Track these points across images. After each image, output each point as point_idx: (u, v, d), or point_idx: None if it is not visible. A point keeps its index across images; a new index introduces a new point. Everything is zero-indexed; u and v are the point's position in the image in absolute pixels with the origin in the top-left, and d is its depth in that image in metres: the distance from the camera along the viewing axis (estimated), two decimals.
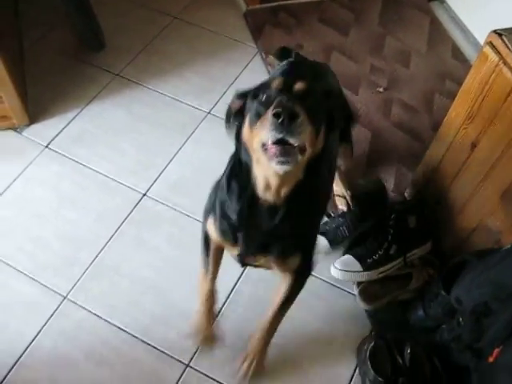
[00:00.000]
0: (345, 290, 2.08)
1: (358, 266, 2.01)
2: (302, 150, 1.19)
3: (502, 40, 1.62)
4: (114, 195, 2.31)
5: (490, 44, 1.66)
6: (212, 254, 1.74)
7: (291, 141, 1.14)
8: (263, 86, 1.29)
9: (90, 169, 2.39)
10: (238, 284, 2.06)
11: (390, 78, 2.85)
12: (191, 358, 1.89)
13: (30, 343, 1.91)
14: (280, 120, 1.12)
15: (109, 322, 1.96)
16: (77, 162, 2.41)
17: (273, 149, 1.16)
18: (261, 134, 1.19)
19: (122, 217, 2.24)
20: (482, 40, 1.74)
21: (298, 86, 1.25)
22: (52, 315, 1.97)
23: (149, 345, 1.92)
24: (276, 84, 1.26)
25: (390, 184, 2.35)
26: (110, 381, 1.85)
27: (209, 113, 2.63)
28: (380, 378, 1.73)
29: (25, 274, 2.07)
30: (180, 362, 1.88)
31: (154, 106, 2.66)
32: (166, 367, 1.87)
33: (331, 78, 1.95)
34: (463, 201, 1.93)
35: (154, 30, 3.03)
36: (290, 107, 1.13)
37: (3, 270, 2.08)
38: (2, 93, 2.34)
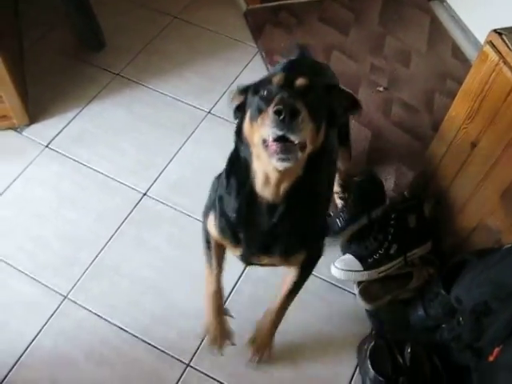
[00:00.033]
0: (345, 290, 2.08)
1: (358, 265, 2.01)
2: (303, 146, 1.19)
3: (502, 39, 1.61)
4: (114, 195, 2.31)
5: (490, 43, 1.65)
6: (214, 250, 1.72)
7: (292, 138, 1.13)
8: (264, 82, 1.28)
9: (90, 168, 2.39)
10: (239, 283, 2.06)
11: (390, 77, 2.85)
12: (191, 358, 1.89)
13: (31, 343, 1.91)
14: (281, 117, 1.10)
15: (109, 322, 1.96)
16: (77, 161, 2.42)
17: (273, 146, 1.15)
18: (261, 130, 1.18)
19: (122, 217, 2.24)
20: (482, 39, 1.74)
21: (300, 81, 1.24)
22: (52, 315, 1.97)
23: (149, 344, 1.92)
24: (277, 79, 1.24)
25: (390, 183, 2.35)
26: (111, 380, 1.85)
27: (209, 112, 2.63)
28: (380, 378, 1.73)
29: (25, 274, 2.07)
30: (180, 361, 1.88)
31: (154, 106, 2.66)
32: (167, 367, 1.87)
33: (330, 78, 1.95)
34: (463, 200, 1.93)
35: (153, 29, 3.03)
36: (291, 104, 1.11)
37: (3, 269, 2.08)
38: (2, 92, 2.34)
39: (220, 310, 1.83)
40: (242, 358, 1.87)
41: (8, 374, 1.84)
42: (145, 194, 2.32)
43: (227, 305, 1.96)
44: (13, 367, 1.86)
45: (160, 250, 2.16)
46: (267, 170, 1.27)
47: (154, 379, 1.86)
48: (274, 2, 3.20)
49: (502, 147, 1.67)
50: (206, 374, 1.86)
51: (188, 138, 2.53)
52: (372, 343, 1.81)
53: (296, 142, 1.15)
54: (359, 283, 2.03)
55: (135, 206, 2.28)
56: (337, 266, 2.02)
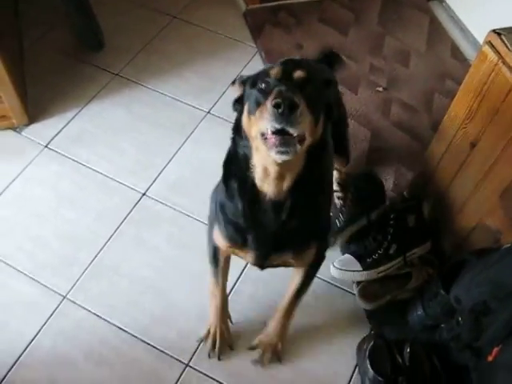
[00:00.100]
0: (344, 290, 2.08)
1: (357, 265, 2.01)
2: (302, 139, 1.18)
3: (501, 39, 1.61)
4: (113, 195, 2.31)
5: (489, 43, 1.65)
6: (221, 265, 1.76)
7: (291, 131, 1.13)
8: (262, 75, 1.27)
9: (90, 168, 2.39)
10: (238, 284, 2.06)
11: (389, 77, 2.85)
12: (191, 358, 1.89)
13: (30, 343, 1.91)
14: (280, 110, 1.10)
15: (108, 322, 1.96)
16: (76, 161, 2.42)
17: (272, 138, 1.15)
18: (260, 124, 1.18)
19: (122, 216, 2.24)
20: (481, 39, 1.74)
21: (298, 73, 1.23)
22: (51, 315, 1.97)
23: (148, 344, 1.92)
24: (275, 72, 1.23)
25: (389, 183, 2.35)
26: (110, 380, 1.85)
27: (208, 112, 2.63)
28: (379, 377, 1.73)
29: (24, 274, 2.07)
30: (180, 361, 1.88)
31: (153, 106, 2.66)
32: (166, 367, 1.87)
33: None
34: (463, 200, 1.93)
35: (153, 29, 3.03)
36: (289, 97, 1.11)
37: (2, 269, 2.08)
38: (2, 92, 2.34)
39: (224, 317, 1.88)
40: (241, 358, 1.88)
41: (7, 373, 1.84)
42: (144, 194, 2.32)
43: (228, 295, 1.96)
44: (12, 367, 1.86)
45: (159, 249, 2.16)
46: (267, 163, 1.26)
47: (153, 379, 1.85)
48: (274, 2, 3.20)
49: (502, 147, 1.67)
50: (205, 374, 1.86)
51: (187, 138, 2.53)
52: (371, 343, 1.81)
53: (295, 134, 1.14)
54: (358, 283, 2.03)
55: (134, 206, 2.28)
56: (336, 265, 2.02)
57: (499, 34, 1.63)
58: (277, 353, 1.88)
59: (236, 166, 1.38)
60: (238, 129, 1.32)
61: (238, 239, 1.50)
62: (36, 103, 2.60)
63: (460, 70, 2.81)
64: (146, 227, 2.22)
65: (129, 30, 3.00)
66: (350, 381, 1.87)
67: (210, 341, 1.88)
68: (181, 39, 2.98)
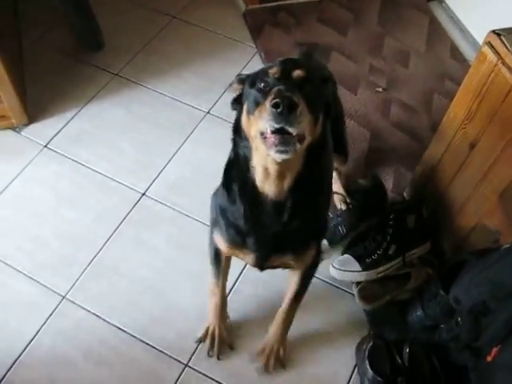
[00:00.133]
0: (344, 290, 2.08)
1: (356, 265, 2.01)
2: (301, 138, 1.18)
3: (501, 40, 1.62)
4: (112, 195, 2.31)
5: (489, 44, 1.66)
6: (222, 266, 1.77)
7: (290, 130, 1.12)
8: (260, 74, 1.26)
9: (89, 168, 2.39)
10: (237, 284, 2.06)
11: (389, 77, 2.85)
12: (190, 358, 1.89)
13: (29, 343, 1.91)
14: (279, 110, 1.09)
15: (108, 322, 1.96)
16: (75, 161, 2.41)
17: (272, 138, 1.14)
18: (259, 123, 1.17)
19: (121, 216, 2.24)
20: (480, 40, 1.74)
21: (297, 73, 1.22)
22: (51, 315, 1.97)
23: (147, 344, 1.92)
24: (274, 71, 1.23)
25: (389, 184, 2.35)
26: (109, 380, 1.84)
27: (208, 112, 2.63)
28: (379, 378, 1.73)
29: (24, 274, 2.07)
30: (179, 361, 1.88)
31: (152, 106, 2.66)
32: (165, 367, 1.87)
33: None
34: (462, 200, 1.93)
35: (152, 29, 3.02)
36: (288, 97, 1.10)
37: (2, 269, 2.08)
38: (1, 92, 2.33)
39: (222, 316, 1.89)
40: (241, 358, 1.88)
41: (6, 373, 1.84)
42: (143, 194, 2.32)
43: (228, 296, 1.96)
44: (11, 367, 1.86)
45: (159, 250, 2.16)
46: (267, 163, 1.26)
47: (152, 379, 1.85)
48: (273, 2, 3.20)
49: (501, 148, 1.67)
50: (204, 374, 1.86)
51: (187, 138, 2.53)
52: (370, 343, 1.81)
53: (294, 133, 1.13)
54: (358, 283, 2.03)
55: (134, 206, 2.28)
56: (335, 266, 2.02)
57: (499, 35, 1.63)
58: (280, 359, 1.87)
59: (237, 168, 1.37)
60: (237, 129, 1.32)
61: (239, 241, 1.50)
62: (35, 103, 2.60)
63: (459, 70, 2.81)
64: (145, 227, 2.22)
65: (128, 30, 3.00)
66: (349, 381, 1.87)
67: (208, 340, 1.89)
68: (180, 39, 2.98)
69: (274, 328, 1.85)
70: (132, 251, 2.15)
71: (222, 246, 1.59)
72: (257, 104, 1.20)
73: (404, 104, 2.72)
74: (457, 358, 1.71)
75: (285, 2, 3.21)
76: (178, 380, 1.84)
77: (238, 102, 1.35)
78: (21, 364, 1.87)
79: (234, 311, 1.95)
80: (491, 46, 1.65)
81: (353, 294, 2.04)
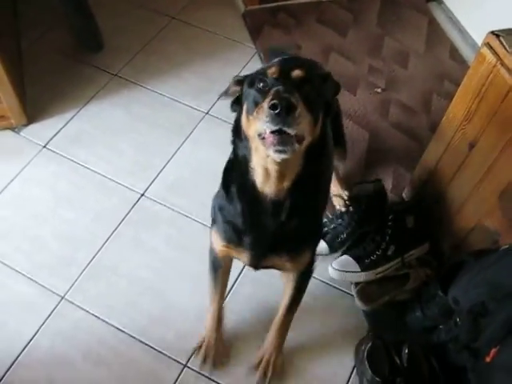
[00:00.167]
0: (342, 291, 2.08)
1: (355, 266, 2.01)
2: (300, 138, 1.17)
3: (500, 41, 1.62)
4: (111, 195, 2.31)
5: (488, 45, 1.66)
6: (221, 276, 1.77)
7: (289, 131, 1.12)
8: (259, 74, 1.26)
9: (88, 169, 2.39)
10: (236, 284, 2.06)
11: (388, 78, 2.85)
12: (189, 359, 1.89)
13: (28, 343, 1.91)
14: (277, 111, 1.09)
15: (106, 323, 1.96)
16: (74, 162, 2.41)
17: (270, 138, 1.14)
18: (258, 124, 1.16)
19: (120, 217, 2.24)
20: (479, 41, 1.74)
21: (296, 73, 1.22)
22: (50, 315, 1.97)
23: (146, 345, 1.92)
24: (272, 71, 1.22)
25: (387, 184, 2.35)
26: (108, 381, 1.84)
27: (207, 113, 2.63)
28: (378, 378, 1.73)
29: (22, 274, 2.07)
30: (177, 362, 1.88)
31: (152, 107, 2.66)
32: (164, 367, 1.87)
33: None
34: (461, 201, 1.93)
35: (152, 30, 3.03)
36: (287, 98, 1.09)
37: (0, 269, 2.08)
38: (0, 92, 2.33)
39: (219, 329, 1.88)
40: (238, 358, 1.88)
41: (5, 373, 1.84)
42: (142, 195, 2.32)
43: (225, 306, 1.95)
44: (10, 367, 1.86)
45: (158, 250, 2.16)
46: (266, 162, 1.25)
47: (151, 380, 1.85)
48: (273, 3, 3.20)
49: (500, 148, 1.68)
50: (203, 375, 1.86)
51: (186, 139, 2.53)
52: (369, 344, 1.81)
53: (292, 133, 1.13)
54: (357, 284, 2.03)
55: (133, 207, 2.28)
56: (334, 266, 2.02)
57: (498, 36, 1.63)
58: (277, 371, 1.85)
59: (236, 168, 1.37)
60: (237, 130, 1.32)
61: (235, 239, 1.50)
62: (35, 103, 2.60)
63: (458, 71, 2.82)
64: (144, 228, 2.22)
65: (128, 30, 3.00)
66: (348, 382, 1.87)
67: (202, 352, 1.86)
68: (179, 40, 2.98)
69: (269, 339, 1.84)
70: (131, 252, 2.15)
71: (218, 243, 1.58)
72: (256, 104, 1.20)
73: (403, 104, 2.72)
74: (455, 358, 1.71)
75: (284, 3, 3.21)
76: (176, 380, 1.84)
77: (237, 103, 1.34)
78: (20, 364, 1.87)
79: (233, 312, 1.95)
80: (490, 47, 1.65)
81: (352, 295, 2.04)
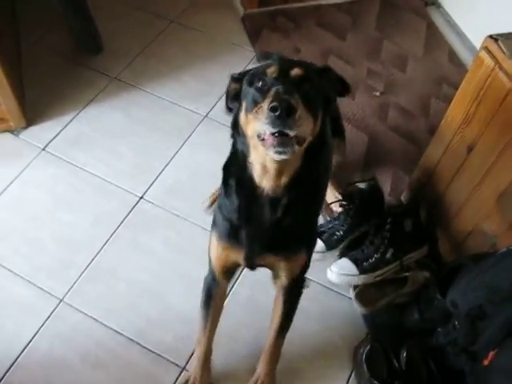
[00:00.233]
0: (341, 294, 2.08)
1: (354, 269, 2.01)
2: (300, 139, 1.17)
3: (498, 45, 1.62)
4: (110, 198, 2.31)
5: (486, 49, 1.66)
6: (212, 311, 1.72)
7: (289, 133, 1.11)
8: (259, 72, 1.25)
9: (87, 172, 2.39)
10: (235, 286, 2.06)
11: (386, 82, 2.85)
12: (187, 362, 1.89)
13: (27, 345, 1.91)
14: (277, 113, 1.08)
15: (105, 325, 1.96)
16: (74, 164, 2.42)
17: (270, 139, 1.13)
18: (257, 125, 1.16)
19: (119, 220, 2.24)
20: (478, 45, 1.75)
21: (295, 71, 1.21)
22: (48, 317, 1.97)
23: (145, 348, 1.92)
24: (272, 71, 1.22)
25: (386, 187, 2.35)
26: (106, 383, 1.84)
27: (206, 116, 2.63)
28: (376, 382, 1.73)
29: (21, 277, 2.07)
30: (176, 365, 1.88)
31: (151, 110, 2.66)
32: (162, 370, 1.87)
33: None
34: (459, 204, 1.94)
35: (151, 33, 3.03)
36: (287, 100, 1.09)
37: None
38: (0, 95, 2.34)
39: (206, 367, 1.82)
40: (237, 360, 1.88)
41: (4, 375, 1.84)
42: (141, 198, 2.32)
43: (224, 308, 1.95)
44: (9, 369, 1.86)
45: (156, 253, 2.16)
46: (264, 160, 1.25)
47: (149, 382, 1.85)
48: (272, 6, 3.20)
49: (498, 151, 1.68)
50: None
51: (185, 142, 2.53)
52: (368, 347, 1.81)
53: (292, 135, 1.12)
54: (355, 287, 2.03)
55: (132, 210, 2.28)
56: (333, 269, 2.02)
57: (496, 40, 1.64)
58: None
59: (235, 163, 1.37)
60: (236, 125, 1.31)
61: (232, 236, 1.47)
62: (34, 106, 2.60)
63: (457, 74, 2.82)
64: (143, 231, 2.22)
65: (127, 33, 3.00)
66: None
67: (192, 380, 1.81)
68: (179, 43, 2.98)
69: (261, 365, 1.80)
70: (129, 254, 2.15)
71: (217, 246, 1.55)
72: (255, 103, 1.19)
73: (402, 108, 2.72)
74: (454, 361, 1.71)
75: (283, 7, 3.21)
76: (174, 383, 1.84)
77: (235, 100, 1.34)
78: (18, 366, 1.87)
79: (232, 314, 1.94)
80: (488, 51, 1.66)
81: (350, 298, 2.05)
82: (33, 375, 1.85)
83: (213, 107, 2.66)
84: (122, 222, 2.24)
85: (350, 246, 2.14)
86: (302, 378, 1.89)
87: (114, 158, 2.45)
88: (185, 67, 2.85)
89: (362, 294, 2.02)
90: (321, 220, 2.19)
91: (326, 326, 2.00)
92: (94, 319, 1.97)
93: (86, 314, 1.98)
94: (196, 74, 2.82)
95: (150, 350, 1.91)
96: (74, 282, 2.06)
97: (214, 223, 1.56)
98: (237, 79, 1.34)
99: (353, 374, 1.88)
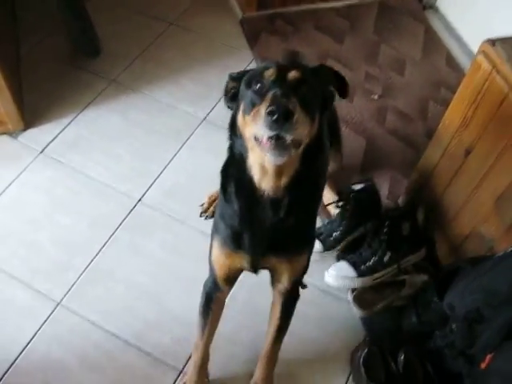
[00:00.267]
0: (339, 297, 2.08)
1: (352, 272, 2.01)
2: (298, 143, 1.17)
3: (495, 49, 1.63)
4: (108, 201, 2.31)
5: (484, 53, 1.67)
6: (211, 318, 1.70)
7: (286, 137, 1.11)
8: (256, 75, 1.25)
9: (85, 174, 2.39)
10: (234, 288, 2.05)
11: (384, 85, 2.86)
12: (184, 364, 1.89)
13: (25, 348, 1.91)
14: (274, 117, 1.08)
15: (102, 328, 1.96)
16: (72, 167, 2.42)
17: (267, 143, 1.13)
18: (254, 128, 1.16)
19: (117, 222, 2.24)
20: (475, 49, 1.75)
21: (292, 74, 1.21)
22: (46, 320, 1.97)
23: (142, 350, 1.92)
24: (269, 74, 1.21)
25: (384, 191, 2.36)
26: None
27: (204, 119, 2.64)
28: None
29: (18, 279, 2.06)
30: (174, 367, 1.88)
31: (149, 113, 2.66)
32: (159, 373, 1.87)
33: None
34: (457, 207, 1.94)
35: (150, 36, 3.03)
36: (284, 105, 1.09)
37: None
38: None
39: (203, 374, 1.81)
40: (235, 362, 1.88)
41: (2, 377, 1.84)
42: (139, 201, 2.32)
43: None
44: (7, 371, 1.85)
45: (154, 255, 2.16)
46: (263, 161, 1.25)
47: None
48: (270, 9, 3.21)
49: (496, 155, 1.69)
50: None
51: (183, 145, 2.53)
52: (365, 350, 1.81)
53: (289, 139, 1.12)
54: (353, 290, 2.04)
55: (130, 212, 2.28)
56: (330, 272, 2.02)
57: (493, 44, 1.64)
58: None
59: (233, 166, 1.37)
60: (233, 126, 1.31)
61: (235, 242, 1.46)
62: (32, 109, 2.60)
63: (455, 78, 2.83)
64: (141, 233, 2.22)
65: (125, 36, 3.01)
66: None
67: None
68: (177, 46, 2.99)
69: (258, 371, 1.79)
70: (127, 257, 2.15)
71: (219, 253, 1.54)
72: (253, 105, 1.19)
73: (399, 111, 2.73)
74: (451, 364, 1.72)
75: (282, 10, 3.22)
76: None
77: (233, 100, 1.34)
78: (16, 369, 1.87)
79: (229, 317, 1.94)
80: (486, 55, 1.66)
81: (348, 301, 2.05)
82: (31, 377, 1.85)
83: (211, 110, 2.67)
84: (119, 224, 2.24)
85: (347, 249, 2.15)
86: (299, 382, 1.89)
87: (112, 161, 2.45)
88: (183, 70, 2.86)
89: (360, 296, 2.02)
90: (318, 221, 2.19)
91: (323, 329, 2.01)
92: (92, 322, 1.97)
93: (83, 317, 1.98)
94: (194, 77, 2.83)
95: (147, 353, 1.91)
96: (72, 285, 2.06)
97: (215, 230, 1.55)
98: (235, 78, 1.35)
99: (350, 378, 1.88)
